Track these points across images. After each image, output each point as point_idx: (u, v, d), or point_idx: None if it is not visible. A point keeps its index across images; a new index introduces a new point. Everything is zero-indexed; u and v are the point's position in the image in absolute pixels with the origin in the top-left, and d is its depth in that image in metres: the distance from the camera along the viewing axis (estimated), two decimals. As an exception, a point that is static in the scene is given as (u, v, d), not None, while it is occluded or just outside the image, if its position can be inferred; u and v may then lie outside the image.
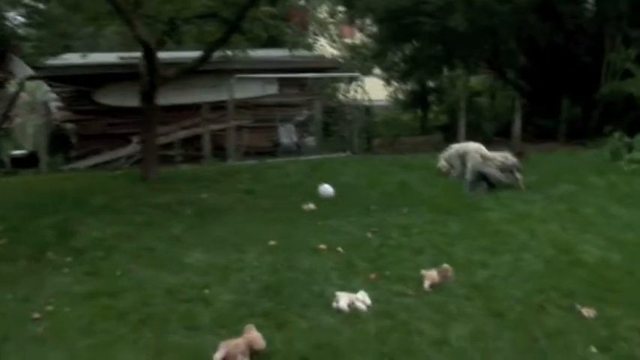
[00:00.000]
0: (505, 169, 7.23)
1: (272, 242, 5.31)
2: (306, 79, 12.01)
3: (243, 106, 11.24)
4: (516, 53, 12.72)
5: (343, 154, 11.65)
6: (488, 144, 11.86)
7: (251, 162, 10.35)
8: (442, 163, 8.11)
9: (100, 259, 5.04)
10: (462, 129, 12.42)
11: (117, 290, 4.23)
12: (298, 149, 11.56)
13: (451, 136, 12.80)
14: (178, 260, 4.96)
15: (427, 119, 15.65)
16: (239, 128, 11.17)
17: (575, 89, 12.54)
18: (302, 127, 12.02)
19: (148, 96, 8.11)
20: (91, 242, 5.32)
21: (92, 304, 3.97)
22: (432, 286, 4.22)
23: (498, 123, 13.76)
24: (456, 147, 8.04)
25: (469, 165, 7.27)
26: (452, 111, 14.18)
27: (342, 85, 14.01)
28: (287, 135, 11.66)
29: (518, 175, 7.14)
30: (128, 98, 10.31)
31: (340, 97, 13.93)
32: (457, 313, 3.79)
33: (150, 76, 7.92)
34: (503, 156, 7.29)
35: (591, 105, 12.28)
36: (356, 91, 12.34)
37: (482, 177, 7.09)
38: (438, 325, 3.66)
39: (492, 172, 7.20)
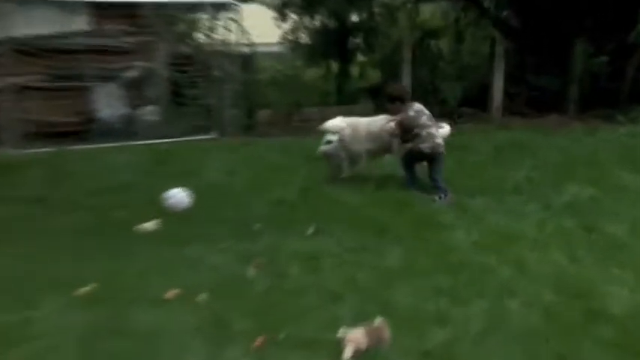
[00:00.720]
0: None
1: (84, 288, 5.23)
2: (140, 6, 11.91)
3: (28, 52, 10.83)
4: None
5: (207, 137, 11.68)
6: (449, 119, 12.45)
7: (45, 150, 10.24)
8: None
9: None
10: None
11: None
12: (128, 127, 11.60)
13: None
14: None
15: (348, 77, 15.97)
16: (20, 91, 10.84)
17: (597, 28, 12.81)
18: (135, 89, 11.95)
19: None
20: None
21: None
22: (358, 354, 4.24)
23: (468, 84, 14.43)
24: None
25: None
26: (390, 63, 14.57)
27: (205, 19, 13.85)
28: (108, 103, 11.60)
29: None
30: None
31: (201, 38, 13.75)
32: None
33: None
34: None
35: (623, 53, 12.46)
36: (228, 29, 12.26)
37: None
38: None
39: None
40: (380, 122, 8.46)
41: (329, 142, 8.30)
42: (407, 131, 8.02)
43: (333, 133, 8.33)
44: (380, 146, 8.48)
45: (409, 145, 8.06)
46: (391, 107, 8.11)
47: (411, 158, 8.18)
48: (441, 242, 6.54)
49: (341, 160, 8.43)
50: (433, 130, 8.07)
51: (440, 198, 7.81)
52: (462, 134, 11.56)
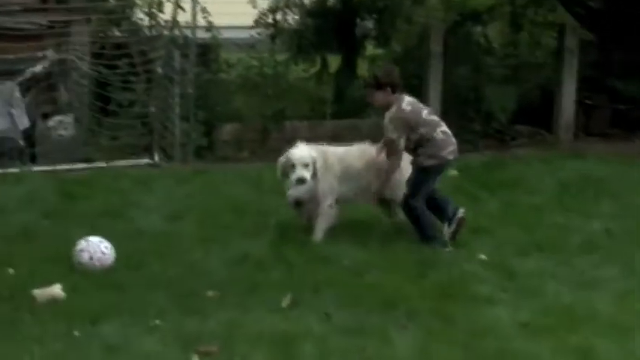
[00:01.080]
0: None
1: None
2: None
3: None
4: None
5: (144, 161, 11.79)
6: (496, 141, 12.43)
7: None
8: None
9: None
10: (433, 103, 12.82)
11: None
12: (29, 147, 11.53)
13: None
14: None
15: (353, 78, 15.96)
16: None
17: None
18: (40, 91, 11.90)
19: None
20: None
21: None
22: None
23: (525, 90, 14.36)
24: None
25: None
26: (413, 59, 14.63)
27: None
28: (1, 110, 11.60)
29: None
30: None
31: (140, 18, 13.78)
32: None
33: None
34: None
35: None
36: (179, 6, 12.36)
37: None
38: None
39: None
40: (360, 152, 8.57)
41: (300, 180, 8.29)
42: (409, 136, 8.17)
43: (305, 166, 8.34)
44: (358, 189, 8.56)
45: (421, 159, 8.17)
46: (376, 96, 8.30)
47: (427, 179, 8.22)
48: (474, 322, 6.52)
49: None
50: (446, 128, 8.32)
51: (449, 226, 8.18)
52: (514, 165, 11.61)
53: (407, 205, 8.22)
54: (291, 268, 7.56)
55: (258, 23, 15.37)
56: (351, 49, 16.08)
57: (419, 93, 13.28)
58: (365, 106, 14.06)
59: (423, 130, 8.10)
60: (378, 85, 8.23)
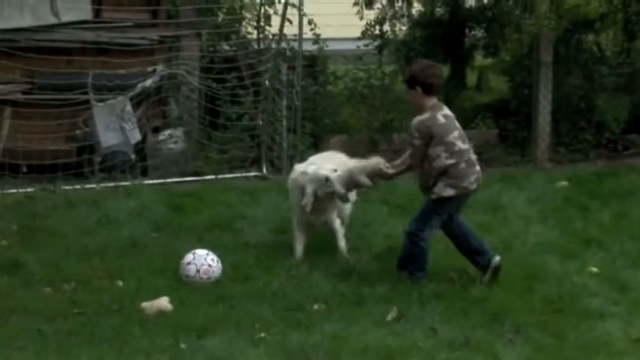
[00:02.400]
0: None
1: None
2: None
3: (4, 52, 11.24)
4: None
5: (253, 174, 11.86)
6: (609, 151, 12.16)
7: (18, 191, 10.53)
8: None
9: None
10: (543, 112, 12.77)
11: None
12: (140, 160, 11.68)
13: (518, 130, 13.13)
14: None
15: (462, 88, 15.88)
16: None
17: None
18: (152, 105, 12.06)
19: None
20: None
21: None
22: None
23: (639, 100, 14.04)
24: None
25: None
26: (522, 68, 14.50)
27: (254, 4, 14.05)
28: (113, 125, 11.72)
29: None
30: None
31: (248, 32, 13.91)
32: None
33: None
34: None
35: None
36: (287, 19, 12.42)
37: None
38: None
39: None
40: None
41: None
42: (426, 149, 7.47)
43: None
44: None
45: (438, 188, 7.40)
46: (408, 95, 7.75)
47: (441, 211, 7.56)
48: (584, 337, 6.45)
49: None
50: (472, 156, 7.56)
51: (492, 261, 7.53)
52: (626, 175, 11.38)
53: (412, 234, 7.57)
54: (397, 281, 7.53)
55: (365, 35, 15.40)
56: (459, 60, 16.00)
57: (529, 103, 13.20)
58: (474, 116, 14.01)
59: (439, 151, 7.35)
60: (410, 82, 7.60)
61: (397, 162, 7.98)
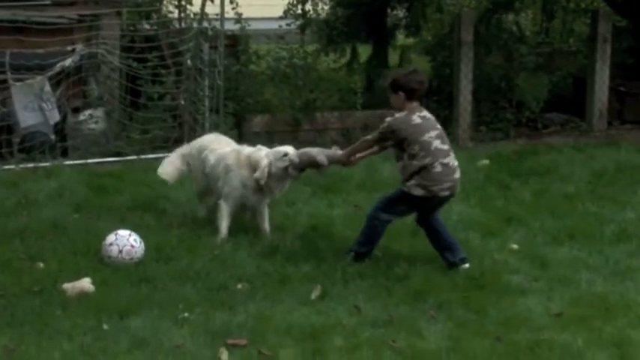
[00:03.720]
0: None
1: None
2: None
3: None
4: None
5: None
6: (529, 130, 12.31)
7: None
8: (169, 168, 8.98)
9: None
10: (464, 92, 12.89)
11: None
12: (59, 141, 11.60)
13: (439, 110, 13.17)
14: None
15: (384, 67, 15.92)
16: None
17: None
18: (72, 85, 11.93)
19: None
20: None
21: None
22: None
23: (557, 78, 14.30)
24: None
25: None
26: (444, 48, 14.56)
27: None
28: (32, 105, 11.59)
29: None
30: None
31: (168, 12, 13.78)
32: None
33: None
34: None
35: None
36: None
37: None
38: None
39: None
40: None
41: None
42: (399, 148, 7.55)
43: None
44: None
45: (409, 185, 7.39)
46: (391, 99, 7.71)
47: (406, 205, 7.60)
48: (506, 313, 6.51)
49: None
50: (451, 160, 7.49)
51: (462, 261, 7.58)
52: (546, 153, 11.53)
53: (372, 214, 7.64)
54: (321, 260, 7.53)
55: (287, 14, 15.41)
56: (381, 39, 16.07)
57: (450, 82, 13.29)
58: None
59: (415, 150, 7.32)
60: (393, 87, 7.62)
61: (353, 147, 8.00)
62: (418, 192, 7.33)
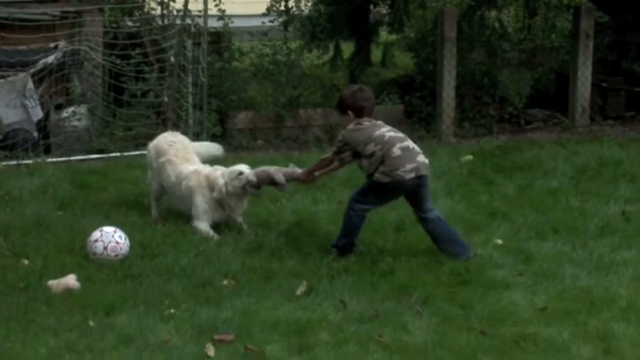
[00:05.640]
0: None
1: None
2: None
3: None
4: None
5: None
6: (511, 126, 12.33)
7: None
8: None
9: None
10: (448, 88, 12.87)
11: None
12: (42, 138, 11.56)
13: (423, 106, 13.25)
14: None
15: (367, 64, 15.93)
16: None
17: None
18: (54, 82, 11.90)
19: None
20: None
21: None
22: None
23: (540, 74, 14.35)
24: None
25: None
26: (427, 44, 14.52)
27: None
28: (14, 102, 11.56)
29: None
30: None
31: (151, 8, 13.75)
32: None
33: None
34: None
35: None
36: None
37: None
38: None
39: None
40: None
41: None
42: (357, 156, 7.63)
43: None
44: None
45: (377, 175, 7.47)
46: (341, 120, 7.83)
47: (377, 193, 7.63)
48: (491, 308, 6.54)
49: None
50: (410, 144, 7.58)
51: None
52: (529, 148, 11.55)
53: (349, 205, 7.68)
54: (306, 256, 7.57)
55: (270, 11, 15.39)
56: (364, 36, 16.04)
57: (434, 78, 13.31)
58: (380, 92, 14.08)
59: (373, 148, 7.42)
60: (341, 108, 7.73)
61: (311, 167, 8.12)
62: (384, 179, 7.38)
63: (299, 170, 8.11)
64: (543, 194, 9.57)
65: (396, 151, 7.39)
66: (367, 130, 7.53)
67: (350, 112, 7.58)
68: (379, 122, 7.70)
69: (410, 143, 7.56)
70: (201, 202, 8.26)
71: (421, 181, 7.49)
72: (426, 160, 7.58)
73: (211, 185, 8.22)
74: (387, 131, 7.54)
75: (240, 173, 8.10)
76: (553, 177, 10.23)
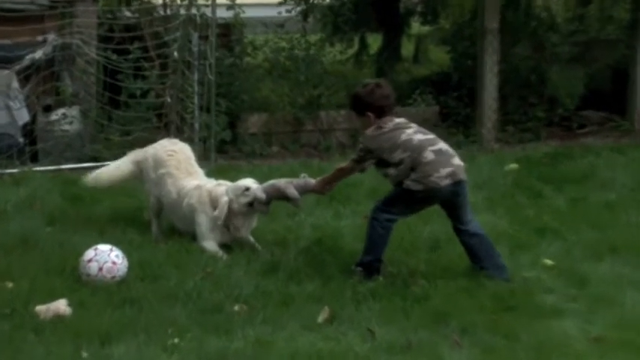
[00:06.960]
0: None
1: None
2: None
3: None
4: None
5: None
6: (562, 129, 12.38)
7: None
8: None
9: None
10: (489, 87, 12.96)
11: None
12: (29, 144, 11.68)
13: (460, 107, 13.33)
14: None
15: (397, 60, 15.99)
16: None
17: None
18: (43, 81, 12.03)
19: None
20: None
21: None
22: None
23: (594, 72, 14.32)
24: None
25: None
26: (464, 38, 14.66)
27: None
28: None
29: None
30: None
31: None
32: None
33: None
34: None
35: None
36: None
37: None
38: None
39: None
40: None
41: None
42: (382, 164, 7.60)
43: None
44: None
45: (407, 182, 7.40)
46: (360, 122, 7.80)
47: (407, 201, 7.59)
48: (539, 338, 6.52)
49: None
50: (443, 146, 7.57)
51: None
52: (582, 156, 11.56)
53: (373, 216, 7.68)
54: (328, 278, 7.55)
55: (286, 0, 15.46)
56: (393, 28, 16.14)
57: (473, 76, 13.32)
58: (412, 91, 14.11)
59: (402, 156, 7.37)
60: (358, 109, 7.70)
61: (327, 176, 8.09)
62: (416, 186, 7.33)
63: (312, 181, 8.08)
64: (599, 208, 9.57)
65: (429, 155, 7.35)
66: (391, 134, 7.49)
67: (369, 114, 7.54)
68: (402, 120, 7.66)
69: (443, 145, 7.54)
70: (204, 221, 8.30)
71: (458, 188, 7.46)
72: (462, 163, 7.56)
73: (214, 202, 8.24)
74: (413, 133, 7.50)
75: (247, 189, 8.09)
76: (610, 189, 10.26)
